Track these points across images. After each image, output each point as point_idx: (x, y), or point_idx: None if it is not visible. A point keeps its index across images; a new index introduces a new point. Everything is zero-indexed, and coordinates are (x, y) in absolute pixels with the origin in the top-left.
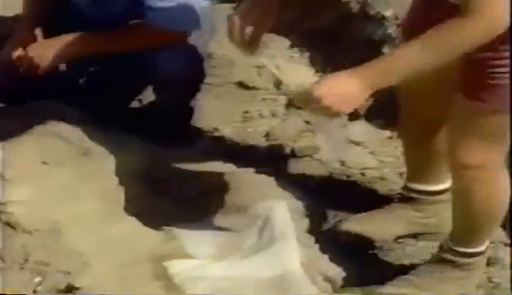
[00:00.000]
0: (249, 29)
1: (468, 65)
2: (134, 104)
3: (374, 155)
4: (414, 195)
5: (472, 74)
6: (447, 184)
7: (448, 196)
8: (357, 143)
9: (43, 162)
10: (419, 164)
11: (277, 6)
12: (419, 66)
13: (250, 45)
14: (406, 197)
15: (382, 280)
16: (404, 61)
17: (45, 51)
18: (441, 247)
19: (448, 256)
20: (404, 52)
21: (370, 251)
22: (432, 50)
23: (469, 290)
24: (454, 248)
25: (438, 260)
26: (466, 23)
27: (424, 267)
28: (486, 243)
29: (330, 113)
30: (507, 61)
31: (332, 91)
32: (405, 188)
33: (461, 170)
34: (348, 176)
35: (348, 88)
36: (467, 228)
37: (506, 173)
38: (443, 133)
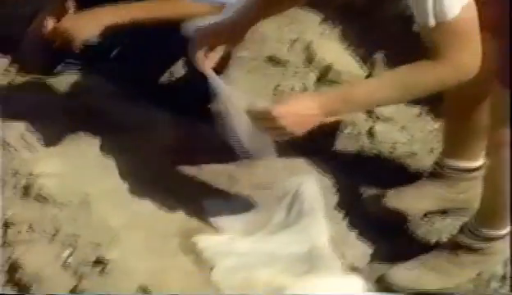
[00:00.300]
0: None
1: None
2: (165, 77)
3: (404, 131)
4: (447, 171)
5: (505, 62)
6: (480, 162)
7: (479, 174)
8: (387, 119)
9: (74, 135)
10: (458, 139)
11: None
12: (384, 100)
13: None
14: (436, 173)
15: (410, 256)
16: (369, 94)
17: (79, 23)
18: (461, 230)
19: (466, 240)
20: (371, 85)
21: (398, 227)
22: (401, 88)
23: (484, 275)
24: (475, 230)
25: (455, 243)
26: (436, 66)
27: (440, 249)
28: (508, 228)
29: (282, 133)
30: None
31: (290, 112)
32: (438, 163)
33: (498, 147)
34: (378, 152)
35: (306, 111)
36: (494, 206)
37: None
38: (485, 108)
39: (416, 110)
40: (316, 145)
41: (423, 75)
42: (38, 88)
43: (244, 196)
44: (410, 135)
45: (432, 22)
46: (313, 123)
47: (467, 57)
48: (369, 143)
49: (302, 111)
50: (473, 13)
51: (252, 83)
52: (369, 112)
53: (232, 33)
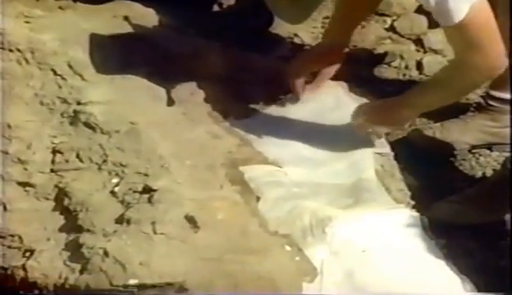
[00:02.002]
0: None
1: None
2: (215, 8)
3: None
4: (494, 103)
5: None
6: None
7: None
8: (436, 51)
9: (124, 64)
10: (506, 70)
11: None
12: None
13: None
14: (483, 107)
15: (455, 190)
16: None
17: None
18: (503, 165)
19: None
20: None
21: (444, 161)
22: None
23: None
24: None
25: (499, 177)
26: (459, 70)
27: (484, 184)
28: None
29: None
30: None
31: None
32: (486, 96)
33: None
34: None
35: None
36: None
37: None
38: None
39: (490, 15)
40: (364, 76)
41: (452, 81)
42: (87, 16)
43: (293, 127)
44: None
45: (445, 24)
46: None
47: (485, 56)
48: (418, 75)
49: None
50: (484, 10)
51: None
52: (418, 44)
53: (331, 57)
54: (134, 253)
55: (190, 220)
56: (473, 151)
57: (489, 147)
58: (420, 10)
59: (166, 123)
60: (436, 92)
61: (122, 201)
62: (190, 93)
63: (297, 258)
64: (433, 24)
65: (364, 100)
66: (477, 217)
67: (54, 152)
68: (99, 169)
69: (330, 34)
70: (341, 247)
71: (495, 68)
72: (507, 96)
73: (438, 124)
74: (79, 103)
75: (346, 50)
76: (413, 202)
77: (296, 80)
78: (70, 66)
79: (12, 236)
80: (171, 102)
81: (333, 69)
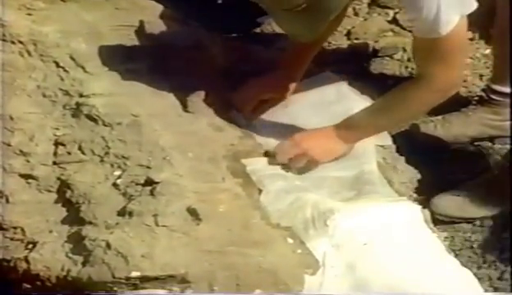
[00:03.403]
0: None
1: None
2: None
3: None
4: (495, 97)
5: None
6: None
7: None
8: None
9: (126, 56)
10: (506, 64)
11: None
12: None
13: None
14: (485, 100)
15: (456, 183)
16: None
17: None
18: (504, 158)
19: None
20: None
21: (446, 154)
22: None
23: None
24: None
25: (502, 170)
26: (421, 87)
27: (485, 177)
28: None
29: (312, 163)
30: None
31: (317, 144)
32: (487, 89)
33: None
34: None
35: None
36: None
37: None
38: None
39: (469, 34)
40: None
41: (415, 96)
42: (89, 8)
43: (295, 119)
44: None
45: (430, 35)
46: (338, 152)
47: (451, 72)
48: None
49: (326, 143)
50: (465, 28)
51: None
52: None
53: (280, 88)
54: (136, 245)
55: (192, 212)
56: (475, 143)
57: (490, 140)
58: None
59: (168, 115)
60: (387, 113)
61: (124, 194)
62: (192, 83)
63: (299, 251)
64: None
65: (365, 95)
66: (478, 210)
67: (56, 144)
68: (101, 161)
69: (282, 65)
70: (343, 240)
71: (457, 86)
72: (508, 90)
73: (440, 118)
74: (81, 95)
75: (293, 85)
76: (415, 195)
77: (243, 110)
78: (72, 58)
79: (15, 228)
80: (172, 94)
81: (280, 99)
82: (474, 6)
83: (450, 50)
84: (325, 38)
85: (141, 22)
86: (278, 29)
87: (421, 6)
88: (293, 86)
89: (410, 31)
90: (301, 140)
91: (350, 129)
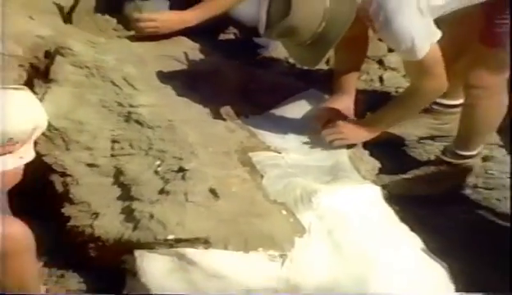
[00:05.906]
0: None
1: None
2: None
3: (406, 78)
4: (435, 107)
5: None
6: (460, 101)
7: (458, 110)
8: (393, 69)
9: (164, 77)
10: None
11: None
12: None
13: None
14: (428, 109)
15: (407, 170)
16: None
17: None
18: (443, 151)
19: (447, 158)
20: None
21: (399, 149)
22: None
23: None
24: (454, 151)
25: (440, 161)
26: (414, 93)
27: (429, 165)
28: (479, 149)
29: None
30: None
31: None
32: None
33: (470, 88)
34: (386, 93)
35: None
36: (467, 133)
37: (506, 95)
38: (462, 62)
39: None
40: None
41: (409, 102)
42: (137, 42)
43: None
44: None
45: (409, 59)
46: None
47: (436, 82)
48: (380, 86)
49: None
50: (437, 49)
51: None
52: (380, 63)
53: (347, 109)
54: (171, 216)
55: (213, 191)
56: (421, 141)
57: (432, 138)
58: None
59: (195, 120)
60: (396, 112)
61: (163, 178)
62: (213, 98)
63: (291, 220)
64: (392, 49)
65: None
66: (423, 190)
67: (113, 141)
68: (146, 154)
69: (335, 88)
70: (324, 213)
71: (442, 90)
72: (444, 102)
73: None
74: (131, 106)
75: (353, 98)
76: (376, 180)
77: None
78: (124, 79)
79: (83, 203)
80: (198, 105)
81: (344, 114)
82: (439, 35)
83: (429, 66)
84: (361, 61)
85: (176, 52)
86: (276, 58)
87: (399, 42)
88: (352, 101)
89: (373, 59)
90: (342, 125)
91: (374, 123)
